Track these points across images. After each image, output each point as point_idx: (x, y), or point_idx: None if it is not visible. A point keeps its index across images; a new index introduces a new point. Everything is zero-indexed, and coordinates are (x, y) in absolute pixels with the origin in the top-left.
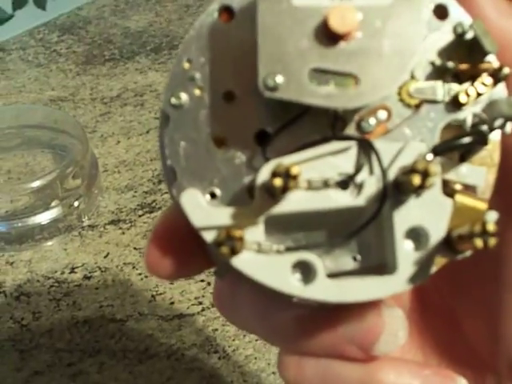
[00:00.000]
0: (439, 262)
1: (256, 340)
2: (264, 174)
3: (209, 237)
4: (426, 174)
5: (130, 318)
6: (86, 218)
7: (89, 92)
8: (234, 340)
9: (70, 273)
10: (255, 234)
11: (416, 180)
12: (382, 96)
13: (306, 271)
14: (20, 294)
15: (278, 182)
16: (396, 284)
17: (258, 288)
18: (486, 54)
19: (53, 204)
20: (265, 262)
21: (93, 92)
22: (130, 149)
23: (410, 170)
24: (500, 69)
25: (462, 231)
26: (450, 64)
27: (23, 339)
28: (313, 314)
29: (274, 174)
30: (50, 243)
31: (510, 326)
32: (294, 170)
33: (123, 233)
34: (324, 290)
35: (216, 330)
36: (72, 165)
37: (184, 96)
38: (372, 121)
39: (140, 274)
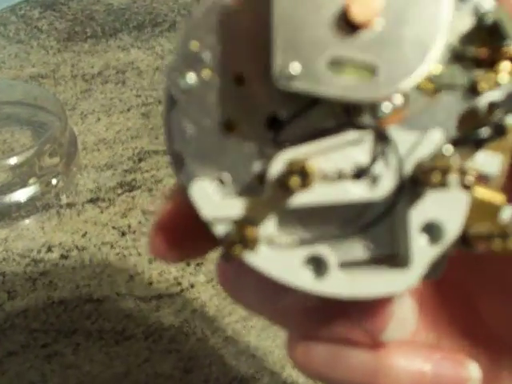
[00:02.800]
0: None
1: (235, 322)
2: (277, 168)
3: (218, 230)
4: (445, 172)
5: (106, 298)
6: (64, 196)
7: (70, 69)
8: (212, 322)
9: (46, 252)
10: (267, 226)
11: (436, 178)
12: (401, 88)
13: (318, 265)
14: None
15: (294, 181)
16: (410, 279)
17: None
18: (506, 39)
19: (30, 181)
20: (276, 257)
21: (74, 69)
22: (111, 127)
23: (430, 169)
24: None
25: (479, 230)
26: (470, 50)
27: None
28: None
29: (289, 172)
30: (26, 221)
31: None
32: (310, 169)
33: (102, 212)
34: (336, 285)
35: (195, 311)
36: (50, 142)
37: (192, 78)
38: (387, 106)
39: (118, 254)
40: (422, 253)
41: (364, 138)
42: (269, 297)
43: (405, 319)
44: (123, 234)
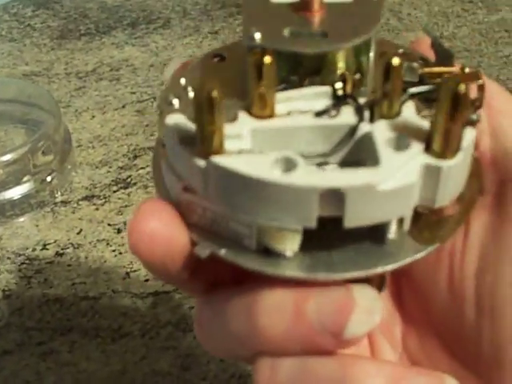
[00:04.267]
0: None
1: None
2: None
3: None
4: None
5: (103, 295)
6: (59, 193)
7: (63, 67)
8: None
9: (41, 249)
10: (240, 144)
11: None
12: (347, 45)
13: (288, 164)
14: None
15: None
16: (379, 175)
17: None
18: (446, 55)
19: (24, 179)
20: (246, 158)
21: (68, 67)
22: (105, 124)
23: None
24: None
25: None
26: (415, 65)
27: None
28: (280, 302)
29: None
30: (21, 219)
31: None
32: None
33: (97, 209)
34: (306, 177)
35: (192, 307)
36: (43, 139)
37: (177, 101)
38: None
39: (114, 251)
40: (389, 154)
41: (324, 93)
42: (238, 340)
43: (368, 309)
44: (119, 231)
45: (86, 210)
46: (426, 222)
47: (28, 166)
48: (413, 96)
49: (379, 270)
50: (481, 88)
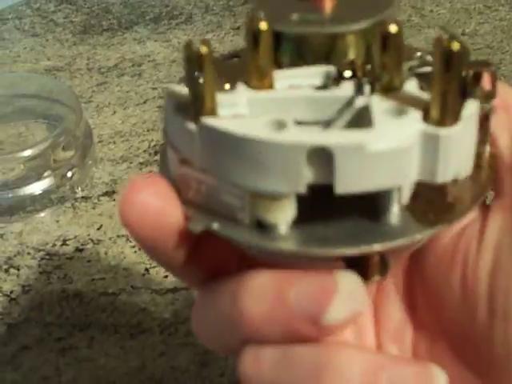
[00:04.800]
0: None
1: None
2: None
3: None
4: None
5: (122, 291)
6: (80, 189)
7: (85, 62)
8: None
9: (61, 245)
10: (236, 111)
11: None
12: (355, 27)
13: (278, 125)
14: (10, 266)
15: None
16: (373, 134)
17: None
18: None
19: (45, 174)
20: (237, 120)
21: (89, 62)
22: (126, 119)
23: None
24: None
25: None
26: (429, 57)
27: (12, 313)
28: (264, 284)
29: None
30: (41, 215)
31: None
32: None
33: (117, 205)
34: (294, 135)
35: None
36: (64, 134)
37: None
38: None
39: (133, 247)
40: (385, 120)
41: (326, 72)
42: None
43: (350, 294)
44: None
45: (106, 206)
46: (432, 204)
47: (49, 161)
48: (419, 76)
49: (375, 247)
50: (493, 76)
